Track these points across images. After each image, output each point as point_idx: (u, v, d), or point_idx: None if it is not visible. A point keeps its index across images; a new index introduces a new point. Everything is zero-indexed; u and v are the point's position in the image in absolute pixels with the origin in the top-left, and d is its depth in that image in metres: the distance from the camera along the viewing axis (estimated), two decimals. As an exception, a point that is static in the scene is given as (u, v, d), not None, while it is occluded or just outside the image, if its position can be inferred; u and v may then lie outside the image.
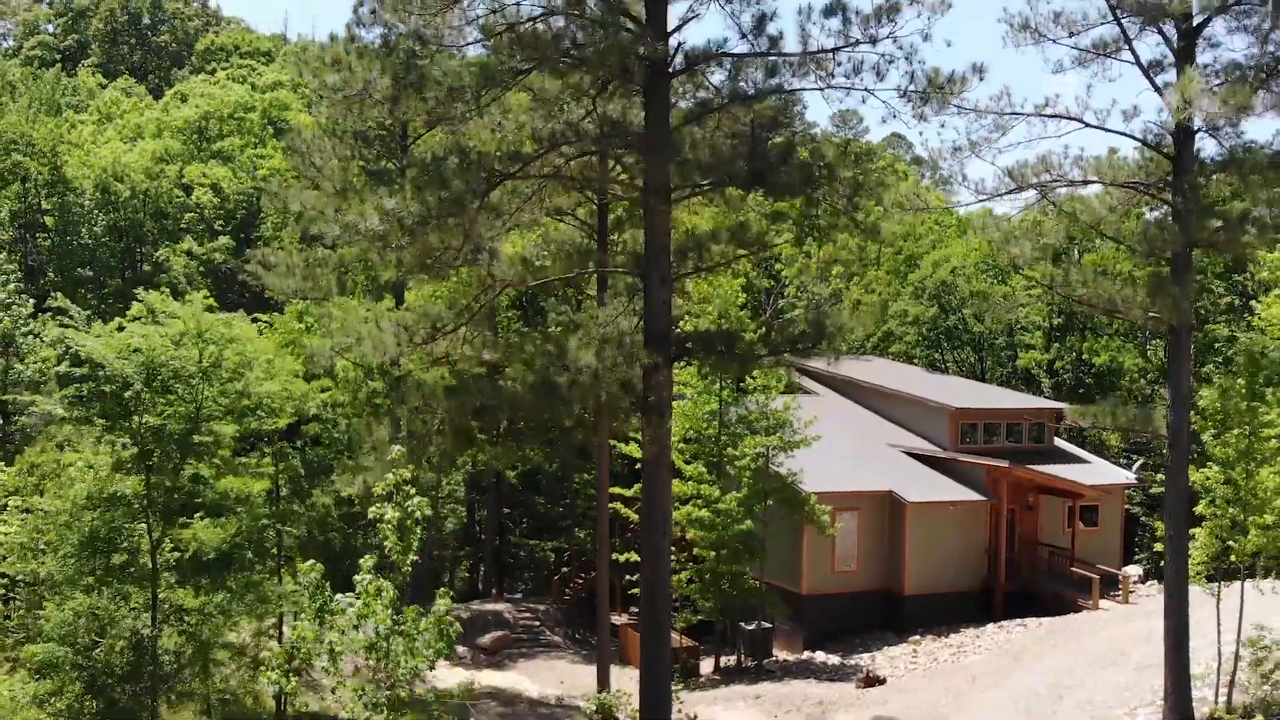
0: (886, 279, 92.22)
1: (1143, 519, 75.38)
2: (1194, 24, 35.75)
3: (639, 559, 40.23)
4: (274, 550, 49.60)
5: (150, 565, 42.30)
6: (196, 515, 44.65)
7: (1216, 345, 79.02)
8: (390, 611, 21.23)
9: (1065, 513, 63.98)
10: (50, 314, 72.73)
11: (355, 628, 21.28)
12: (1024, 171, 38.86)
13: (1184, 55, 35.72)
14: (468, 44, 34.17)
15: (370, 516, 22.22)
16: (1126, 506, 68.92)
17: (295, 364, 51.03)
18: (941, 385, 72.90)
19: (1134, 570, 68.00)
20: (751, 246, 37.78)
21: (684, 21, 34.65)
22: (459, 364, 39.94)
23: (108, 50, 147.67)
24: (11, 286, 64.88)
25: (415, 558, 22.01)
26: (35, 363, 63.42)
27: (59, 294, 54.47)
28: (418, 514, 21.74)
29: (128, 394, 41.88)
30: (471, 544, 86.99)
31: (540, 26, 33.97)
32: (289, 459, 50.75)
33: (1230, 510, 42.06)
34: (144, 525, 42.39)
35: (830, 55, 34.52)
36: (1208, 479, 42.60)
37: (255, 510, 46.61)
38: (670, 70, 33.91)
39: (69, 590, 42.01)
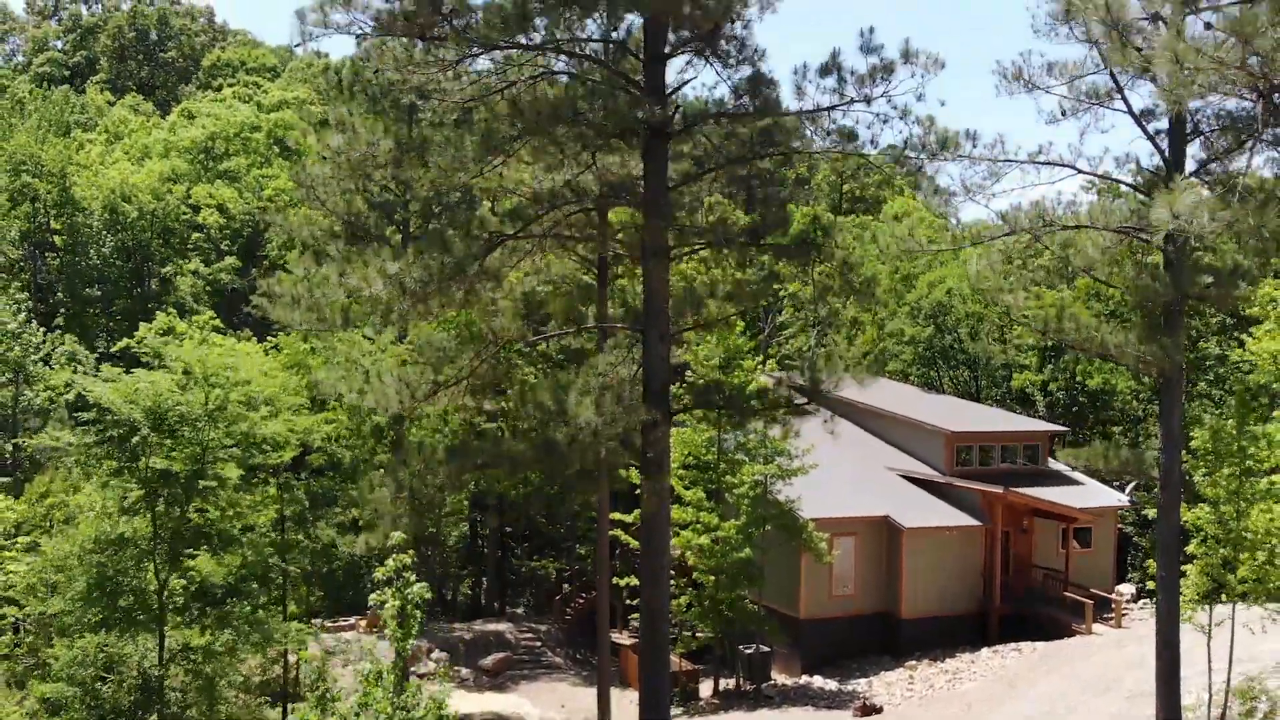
0: (883, 297, 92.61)
1: (1135, 538, 75.89)
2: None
3: (639, 582, 40.68)
4: (279, 580, 50.18)
5: (157, 605, 43.01)
6: (202, 548, 45.36)
7: (1207, 364, 79.45)
8: (390, 695, 21.78)
9: (1059, 535, 64.59)
10: (59, 331, 73.69)
11: (356, 715, 21.86)
12: (1017, 216, 39.22)
13: (1177, 123, 36.32)
14: (470, 101, 34.72)
15: (370, 603, 22.83)
16: (1119, 526, 69.43)
17: (299, 394, 51.67)
18: (937, 406, 73.30)
19: (1127, 589, 68.69)
20: (749, 302, 38.32)
21: (682, 84, 35.14)
22: (461, 412, 40.72)
23: (115, 66, 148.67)
24: (22, 316, 65.51)
25: (415, 640, 22.61)
26: (45, 390, 64.12)
27: (68, 336, 55.39)
28: (417, 599, 22.29)
29: (135, 439, 42.59)
30: (474, 561, 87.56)
31: (540, 90, 34.68)
32: (293, 490, 51.33)
33: (1221, 550, 42.74)
34: (151, 566, 43.10)
35: (826, 113, 35.13)
36: (1199, 518, 43.28)
37: (260, 544, 47.33)
38: (669, 131, 34.41)
39: (77, 630, 42.71)
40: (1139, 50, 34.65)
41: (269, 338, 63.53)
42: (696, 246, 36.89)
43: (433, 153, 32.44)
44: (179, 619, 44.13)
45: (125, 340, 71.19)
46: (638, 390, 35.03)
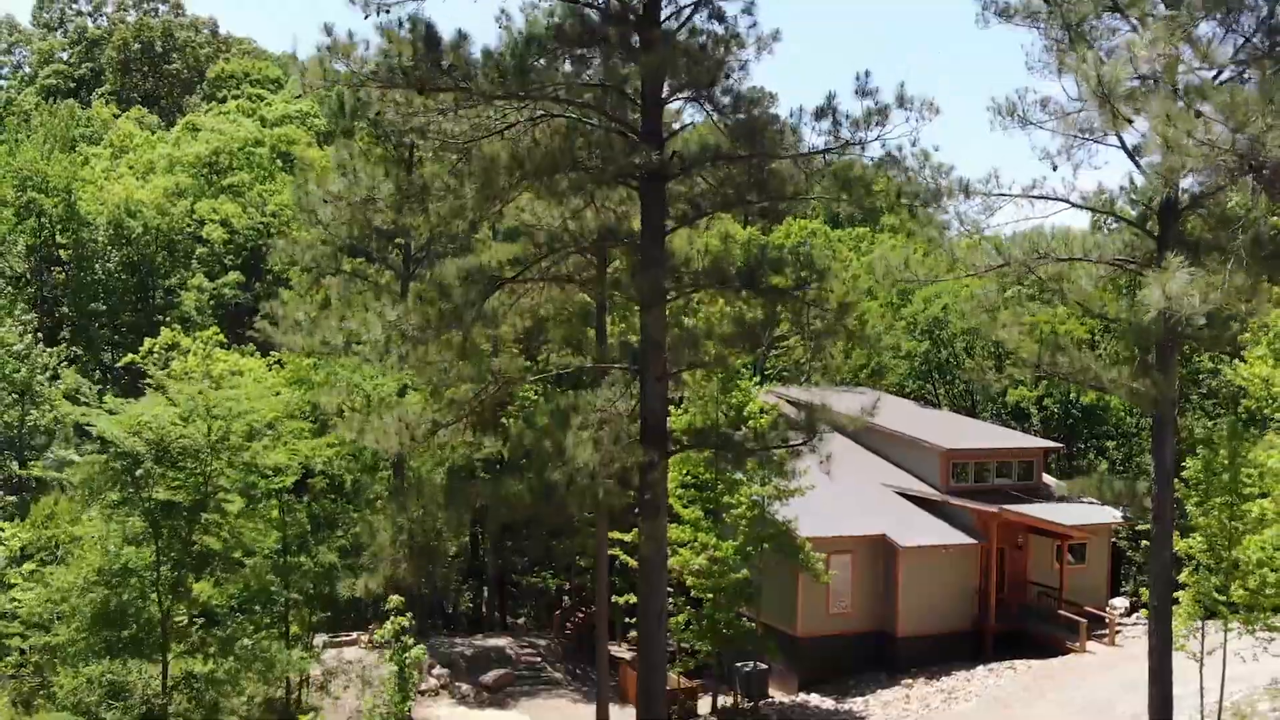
0: (880, 310, 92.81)
1: (1129, 552, 76.34)
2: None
3: (636, 626, 41.01)
4: (281, 603, 50.59)
5: (160, 634, 43.53)
6: (205, 576, 45.91)
7: (1201, 377, 79.92)
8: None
9: (1053, 550, 64.98)
10: (65, 344, 74.17)
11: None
12: (1011, 248, 39.59)
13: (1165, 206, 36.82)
14: (469, 142, 35.17)
15: (366, 665, 23.30)
16: (1113, 540, 69.89)
17: (301, 407, 52.19)
18: (934, 422, 73.72)
19: (1120, 603, 69.27)
20: (745, 344, 38.71)
21: (680, 128, 35.57)
22: (460, 449, 41.23)
23: (121, 78, 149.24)
24: (28, 338, 65.99)
25: (412, 703, 23.08)
26: (50, 410, 64.59)
27: (74, 348, 55.92)
28: (413, 658, 22.78)
29: (139, 471, 43.09)
30: (474, 573, 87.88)
31: (539, 132, 35.18)
32: (295, 513, 51.72)
33: (1214, 579, 43.23)
34: (155, 595, 43.63)
35: (821, 155, 35.57)
36: (1190, 548, 43.79)
37: (262, 570, 47.90)
38: (666, 175, 34.82)
39: (81, 659, 43.23)
40: (1129, 120, 35.16)
41: (272, 351, 63.95)
42: (691, 290, 37.32)
43: (432, 199, 32.87)
44: (182, 647, 44.66)
45: (130, 355, 71.91)
46: (634, 429, 35.51)
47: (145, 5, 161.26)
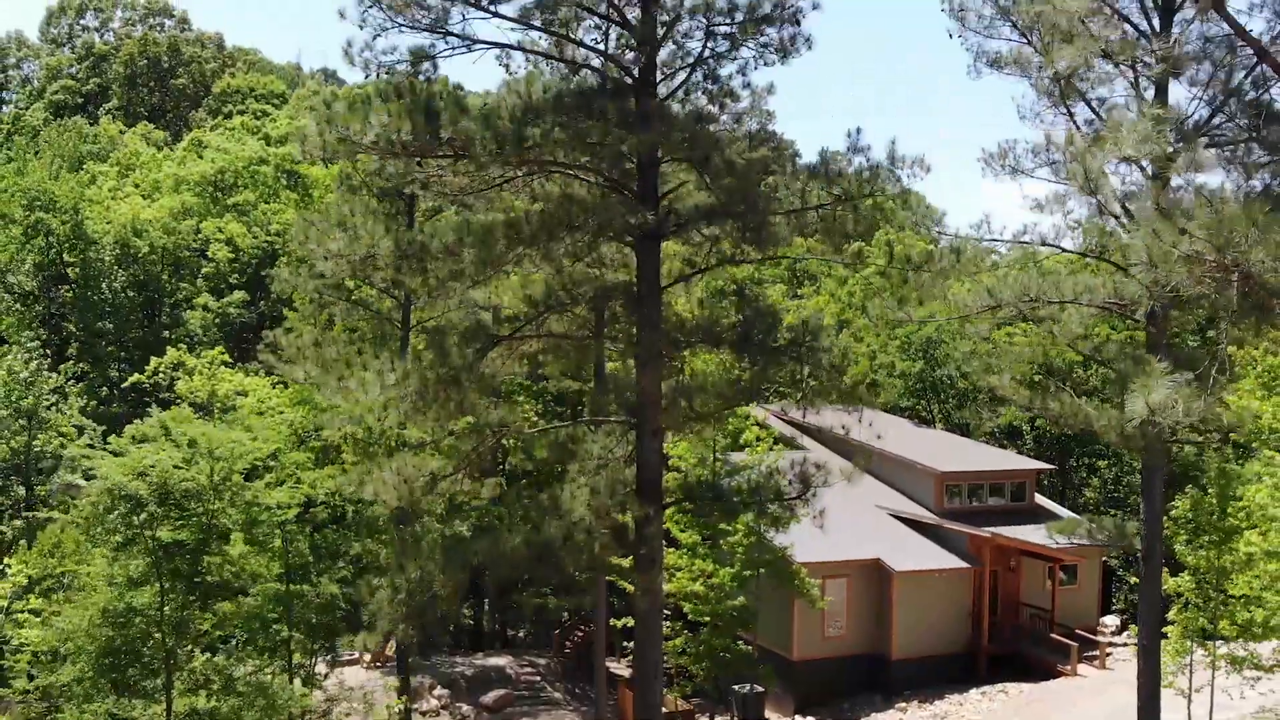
0: (874, 328, 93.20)
1: (1119, 571, 76.96)
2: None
3: (633, 677, 41.57)
4: (284, 632, 51.10)
5: (164, 673, 44.16)
6: (208, 614, 46.56)
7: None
8: None
9: (1045, 572, 65.61)
10: (72, 361, 74.82)
11: None
12: (1003, 289, 40.05)
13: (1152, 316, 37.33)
14: (468, 194, 35.74)
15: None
16: (1104, 559, 70.52)
17: (304, 449, 52.75)
18: (928, 443, 74.22)
19: (1111, 620, 69.90)
20: (740, 400, 39.18)
21: (676, 186, 36.03)
22: (459, 497, 41.85)
23: (127, 93, 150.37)
24: (33, 365, 66.57)
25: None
26: (57, 436, 65.22)
27: (79, 386, 56.55)
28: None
29: (142, 515, 43.70)
30: (475, 591, 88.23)
31: (537, 189, 35.78)
32: (297, 543, 52.22)
33: (1202, 616, 43.90)
34: (159, 635, 44.24)
35: (814, 211, 36.06)
36: (1179, 586, 44.46)
37: (264, 607, 48.56)
38: (661, 234, 35.30)
39: (86, 699, 43.85)
40: (1115, 218, 35.78)
41: (276, 371, 64.50)
42: (686, 348, 37.81)
43: (431, 260, 33.32)
44: (185, 684, 45.27)
45: (137, 375, 72.51)
46: (630, 474, 36.06)
47: (151, 20, 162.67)
